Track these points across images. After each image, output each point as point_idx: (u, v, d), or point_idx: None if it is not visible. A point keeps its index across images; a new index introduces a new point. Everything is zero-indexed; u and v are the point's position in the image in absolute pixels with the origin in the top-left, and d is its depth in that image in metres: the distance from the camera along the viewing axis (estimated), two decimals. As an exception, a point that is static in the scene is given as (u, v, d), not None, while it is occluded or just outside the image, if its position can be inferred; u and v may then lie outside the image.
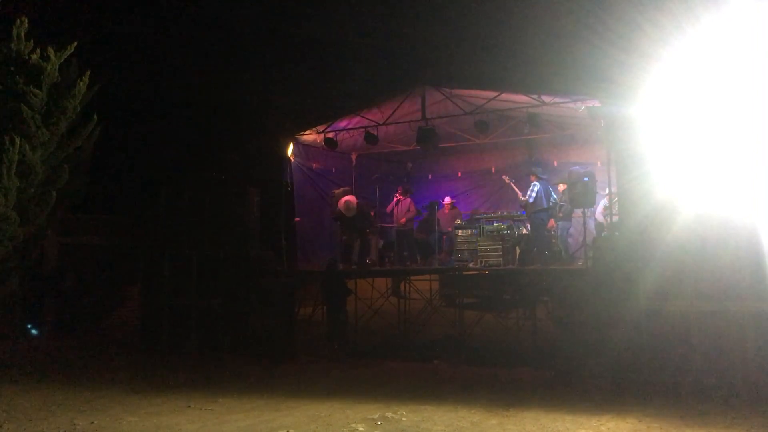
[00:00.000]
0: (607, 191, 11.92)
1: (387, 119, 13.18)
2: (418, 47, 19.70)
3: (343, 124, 13.72)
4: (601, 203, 12.54)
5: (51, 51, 11.42)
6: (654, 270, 8.85)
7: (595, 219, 12.86)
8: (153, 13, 21.76)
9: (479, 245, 12.90)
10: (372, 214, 14.05)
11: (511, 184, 13.23)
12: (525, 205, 12.64)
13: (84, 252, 16.42)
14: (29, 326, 14.48)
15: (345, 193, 13.81)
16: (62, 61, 11.62)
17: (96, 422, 7.63)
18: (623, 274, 9.42)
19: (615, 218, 11.16)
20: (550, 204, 12.67)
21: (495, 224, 13.18)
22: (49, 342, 13.64)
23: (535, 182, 12.56)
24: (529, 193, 12.49)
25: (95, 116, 12.19)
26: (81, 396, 9.00)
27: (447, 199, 14.79)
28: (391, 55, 20.64)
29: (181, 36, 21.77)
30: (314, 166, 14.59)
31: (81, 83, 11.73)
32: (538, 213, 12.45)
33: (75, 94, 11.64)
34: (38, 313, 14.81)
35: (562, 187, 12.94)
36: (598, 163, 12.76)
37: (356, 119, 13.55)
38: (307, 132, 13.92)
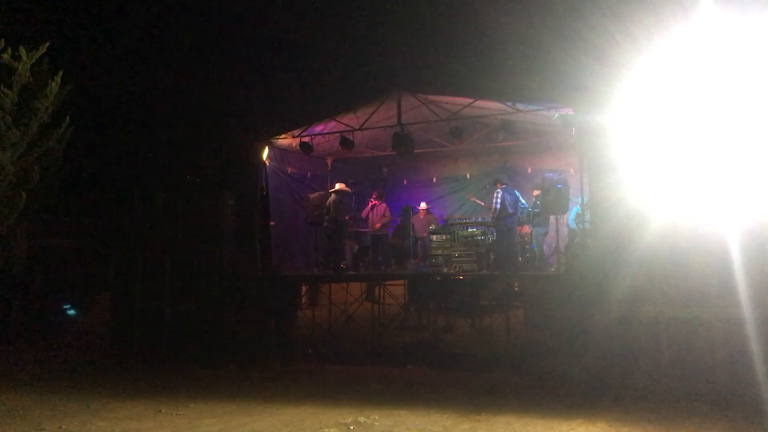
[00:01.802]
0: (580, 198, 12.06)
1: (363, 124, 13.19)
2: (395, 53, 19.78)
3: (318, 128, 13.71)
4: (574, 210, 12.68)
5: (23, 51, 11.30)
6: (626, 276, 8.98)
7: (568, 225, 13.00)
8: (128, 15, 21.59)
9: (454, 251, 12.96)
10: (347, 218, 14.05)
11: (476, 200, 13.40)
12: (492, 214, 12.74)
13: (54, 255, 16.19)
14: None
15: (319, 198, 13.79)
16: (34, 61, 11.49)
17: (64, 427, 7.52)
18: (595, 280, 9.54)
19: (587, 225, 11.28)
20: (518, 209, 12.78)
21: (469, 230, 13.26)
22: (17, 346, 13.40)
23: (499, 189, 12.67)
24: (494, 201, 12.61)
25: (67, 117, 12.06)
26: (49, 400, 8.87)
27: (423, 205, 14.84)
28: (368, 61, 20.71)
29: (157, 38, 21.63)
30: (289, 170, 14.55)
31: (53, 84, 11.62)
32: (503, 219, 12.55)
33: (47, 95, 11.51)
34: (5, 317, 14.55)
35: (536, 192, 13.07)
36: (572, 170, 12.91)
37: (332, 124, 13.55)
38: (283, 136, 13.87)
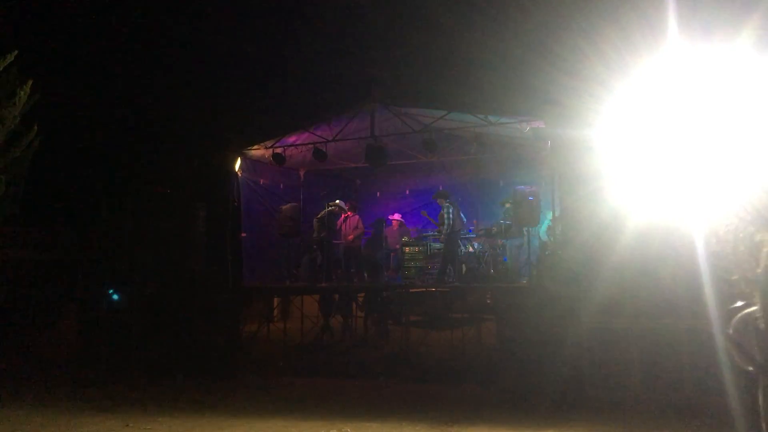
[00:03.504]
0: (551, 211, 12.16)
1: (336, 136, 13.19)
2: (369, 65, 19.86)
3: (291, 139, 13.66)
4: (546, 222, 12.79)
5: (-11, 58, 11.10)
6: (597, 288, 9.06)
7: (540, 238, 13.09)
8: (98, 23, 21.37)
9: (426, 263, 12.99)
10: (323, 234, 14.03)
11: (427, 216, 13.51)
12: (446, 231, 12.68)
13: (19, 266, 15.86)
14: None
15: (293, 209, 13.74)
16: (2, 69, 11.29)
17: (28, 443, 7.34)
18: (567, 292, 9.61)
19: (559, 237, 11.37)
20: (462, 225, 13.02)
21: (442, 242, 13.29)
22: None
23: (447, 205, 12.74)
24: (446, 217, 12.63)
25: (35, 126, 11.86)
26: (13, 415, 8.65)
27: (396, 216, 14.85)
28: (341, 73, 20.75)
29: (127, 47, 21.43)
30: (262, 181, 14.47)
31: (21, 92, 11.42)
32: (454, 234, 12.68)
33: (15, 104, 11.32)
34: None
35: (507, 205, 13.16)
36: (543, 183, 13.03)
37: (305, 135, 13.51)
38: (255, 147, 13.80)
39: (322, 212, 13.62)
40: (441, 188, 14.21)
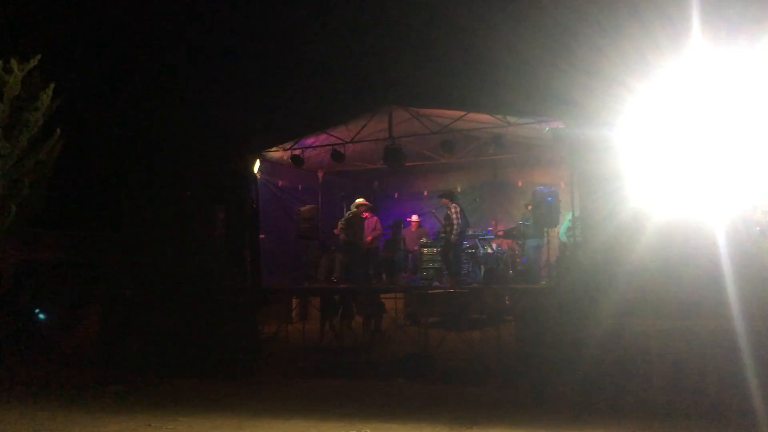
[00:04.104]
0: (571, 211, 12.09)
1: (354, 137, 13.21)
2: (386, 67, 19.88)
3: (309, 141, 13.71)
4: (565, 223, 12.72)
5: (14, 63, 11.25)
6: (617, 289, 9.00)
7: (559, 238, 13.03)
8: (119, 28, 21.60)
9: (444, 264, 12.95)
10: (336, 232, 14.01)
11: (435, 215, 13.41)
12: (456, 231, 12.29)
13: (43, 268, 16.07)
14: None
15: (311, 211, 13.79)
16: (25, 73, 11.45)
17: (52, 442, 7.43)
18: (587, 293, 9.56)
19: (578, 238, 11.31)
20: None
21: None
22: (5, 361, 13.24)
23: (454, 204, 12.44)
24: (454, 217, 12.30)
25: (58, 130, 12.01)
26: (37, 416, 8.76)
27: (414, 217, 14.83)
28: (359, 74, 20.79)
29: (148, 51, 21.64)
30: (280, 183, 14.54)
31: (44, 96, 11.56)
32: (460, 235, 12.39)
33: (38, 107, 11.46)
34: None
35: (530, 207, 13.07)
36: (562, 183, 12.96)
37: (323, 137, 13.55)
38: (274, 149, 13.87)
39: (348, 213, 13.57)
40: (460, 188, 14.12)
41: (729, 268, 8.04)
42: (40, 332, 14.73)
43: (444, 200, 12.68)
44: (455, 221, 12.22)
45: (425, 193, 16.57)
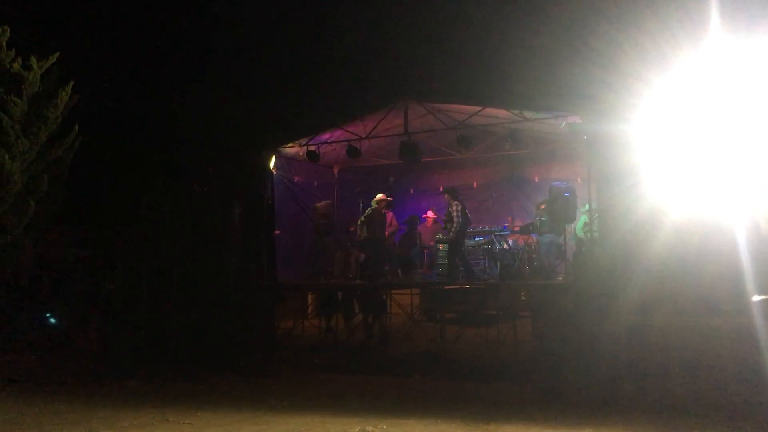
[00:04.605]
0: (587, 207, 12.02)
1: (369, 133, 13.21)
2: (402, 62, 19.83)
3: (325, 137, 13.73)
4: (582, 219, 12.64)
5: (33, 60, 11.34)
6: (634, 285, 8.94)
7: (576, 235, 12.95)
8: (136, 24, 21.71)
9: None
10: (351, 229, 14.01)
11: (436, 215, 13.36)
12: (455, 229, 12.31)
13: (61, 264, 16.21)
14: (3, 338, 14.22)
15: (327, 206, 13.80)
16: (44, 70, 11.54)
17: (71, 436, 7.50)
18: (604, 289, 9.50)
19: (595, 234, 11.24)
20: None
21: (476, 239, 13.23)
22: (23, 355, 13.40)
23: (455, 202, 12.44)
24: (455, 214, 12.30)
25: (76, 126, 12.09)
26: (54, 408, 8.85)
27: (430, 213, 14.80)
28: (375, 70, 20.75)
29: (164, 48, 21.74)
30: (296, 179, 14.57)
31: (63, 93, 11.64)
32: (461, 232, 12.38)
33: (56, 104, 11.54)
34: (12, 326, 14.55)
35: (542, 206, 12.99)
36: (579, 179, 12.88)
37: (338, 132, 13.57)
38: (290, 145, 13.91)
39: (368, 211, 13.51)
40: (476, 184, 14.08)
41: (749, 263, 7.96)
42: (57, 327, 14.87)
43: (446, 196, 12.65)
44: (455, 218, 12.22)
45: (441, 189, 16.51)
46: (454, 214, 12.29)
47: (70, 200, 13.56)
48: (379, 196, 13.64)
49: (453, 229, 12.29)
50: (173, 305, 12.86)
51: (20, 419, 8.26)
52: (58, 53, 11.61)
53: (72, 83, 11.69)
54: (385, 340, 13.00)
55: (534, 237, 13.35)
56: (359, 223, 13.45)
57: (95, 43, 20.07)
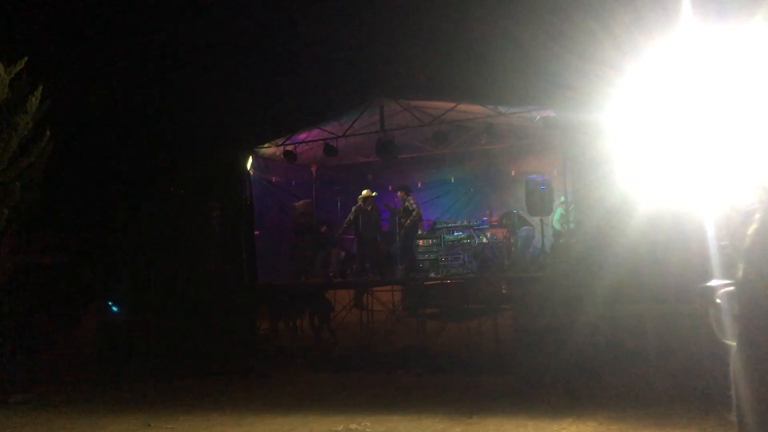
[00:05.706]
0: (563, 199, 12.11)
1: (346, 131, 13.20)
2: (375, 59, 19.83)
3: (302, 136, 13.70)
4: (558, 211, 12.72)
5: (0, 66, 11.16)
6: (609, 274, 9.02)
7: (553, 227, 13.04)
8: (107, 25, 21.51)
9: (440, 255, 12.98)
10: (323, 229, 14.02)
11: (391, 209, 13.56)
12: (414, 218, 12.83)
13: (39, 270, 16.04)
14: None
15: (306, 206, 13.77)
16: (12, 76, 11.37)
17: (52, 444, 7.44)
18: (580, 279, 9.59)
19: (572, 225, 11.34)
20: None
21: (455, 234, 13.27)
22: (3, 363, 13.23)
23: (408, 197, 13.01)
24: (413, 207, 12.85)
25: (48, 132, 11.93)
26: (38, 417, 8.79)
27: (364, 192, 14.70)
28: (349, 68, 20.75)
29: (136, 49, 21.55)
30: (274, 179, 14.51)
31: (33, 99, 11.48)
32: (416, 224, 12.93)
33: (27, 110, 11.38)
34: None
35: None
36: (555, 171, 12.97)
37: (315, 131, 13.54)
38: (266, 145, 13.86)
39: (355, 207, 13.54)
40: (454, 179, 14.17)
41: (716, 251, 8.03)
42: (38, 335, 14.70)
43: (400, 193, 13.17)
44: (414, 210, 12.80)
45: (420, 185, 16.55)
46: (412, 207, 12.84)
47: (45, 206, 13.40)
48: (364, 192, 13.65)
49: (412, 218, 12.84)
50: (153, 308, 12.77)
51: (2, 428, 8.18)
52: (26, 58, 11.44)
53: (41, 87, 11.51)
54: (334, 339, 13.33)
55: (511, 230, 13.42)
56: (346, 221, 13.50)
57: (65, 46, 19.82)
